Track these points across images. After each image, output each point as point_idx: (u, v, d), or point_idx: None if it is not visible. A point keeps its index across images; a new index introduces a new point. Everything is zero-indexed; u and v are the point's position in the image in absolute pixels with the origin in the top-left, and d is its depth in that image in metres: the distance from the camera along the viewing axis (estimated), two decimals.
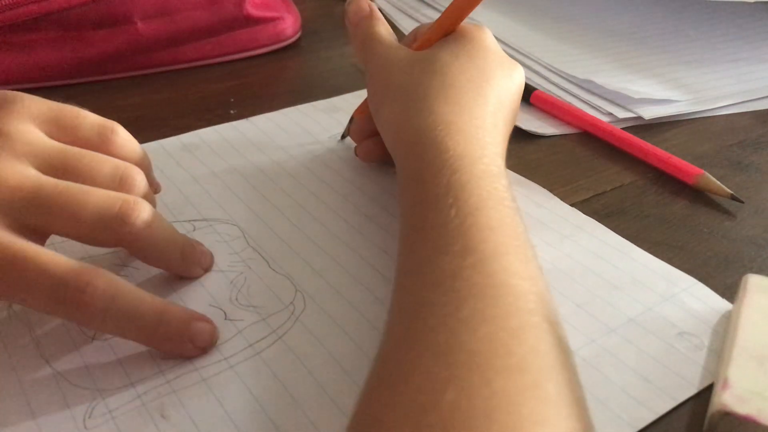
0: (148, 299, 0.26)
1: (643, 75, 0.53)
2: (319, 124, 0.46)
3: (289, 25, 0.58)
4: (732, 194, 0.38)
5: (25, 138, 0.28)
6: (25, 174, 0.26)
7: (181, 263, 0.31)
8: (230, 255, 0.33)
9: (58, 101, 0.49)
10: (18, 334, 0.28)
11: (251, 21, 0.55)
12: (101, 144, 0.30)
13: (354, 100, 0.49)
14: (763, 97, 0.51)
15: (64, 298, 0.24)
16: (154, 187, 0.33)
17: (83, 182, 0.28)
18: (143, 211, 0.28)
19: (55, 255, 0.25)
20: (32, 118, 0.29)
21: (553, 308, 0.23)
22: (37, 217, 0.26)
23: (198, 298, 0.31)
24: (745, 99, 0.50)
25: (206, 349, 0.28)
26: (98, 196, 0.27)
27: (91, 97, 0.49)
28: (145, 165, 0.33)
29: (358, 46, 0.38)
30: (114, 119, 0.32)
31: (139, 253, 0.29)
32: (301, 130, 0.45)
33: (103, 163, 0.29)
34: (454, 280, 0.22)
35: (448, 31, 0.36)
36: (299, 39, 0.60)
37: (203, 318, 0.28)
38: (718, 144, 0.45)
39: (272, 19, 0.57)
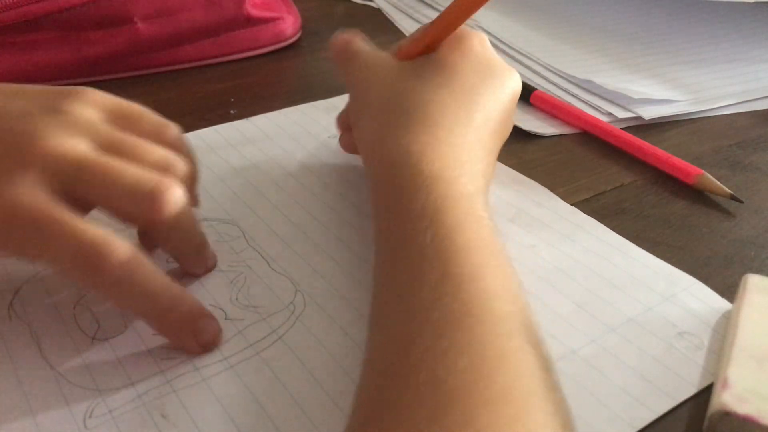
0: (166, 282, 0.27)
1: (643, 75, 0.53)
2: (319, 124, 0.46)
3: (289, 25, 0.58)
4: (732, 194, 0.38)
5: (84, 118, 0.28)
6: (77, 146, 0.27)
7: (194, 256, 0.31)
8: (230, 255, 0.33)
9: None
10: (18, 334, 0.28)
11: (251, 21, 0.55)
12: (157, 140, 0.31)
13: None
14: (763, 97, 0.51)
15: (87, 261, 0.25)
16: (193, 199, 0.33)
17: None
18: (175, 194, 0.28)
19: (88, 223, 0.26)
20: (97, 105, 0.30)
21: (534, 326, 0.23)
22: (78, 185, 0.26)
23: (198, 298, 0.30)
24: (745, 99, 0.50)
25: (208, 347, 0.28)
26: (136, 171, 0.27)
27: None
28: (193, 171, 0.32)
29: (340, 64, 0.37)
30: None
31: (162, 234, 0.29)
32: (301, 130, 0.45)
33: (154, 150, 0.29)
34: (432, 310, 0.22)
35: (432, 45, 0.34)
36: (299, 39, 0.60)
37: (212, 316, 0.28)
38: (718, 144, 0.45)
39: (272, 20, 0.57)
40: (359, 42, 0.37)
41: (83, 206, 0.27)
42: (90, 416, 0.25)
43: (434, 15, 0.65)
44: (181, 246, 0.30)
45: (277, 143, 0.43)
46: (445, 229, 0.25)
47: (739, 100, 0.50)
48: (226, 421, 0.25)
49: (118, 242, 0.25)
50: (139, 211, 0.27)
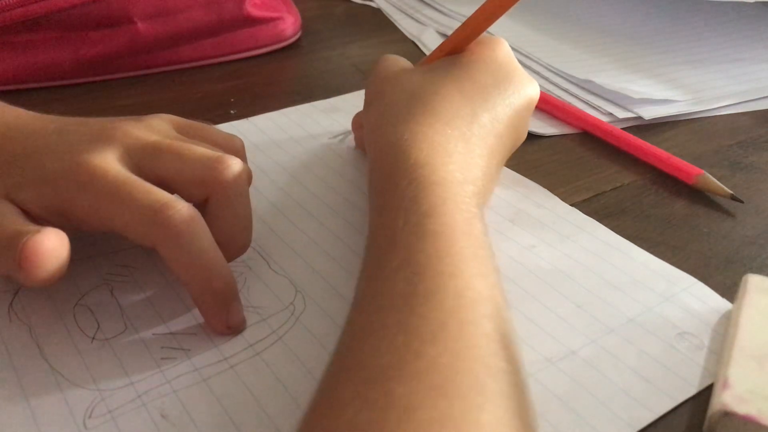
0: (217, 248, 0.28)
1: (643, 75, 0.53)
2: (319, 124, 0.46)
3: (289, 25, 0.58)
4: (732, 194, 0.38)
5: (158, 125, 0.31)
6: (152, 135, 0.30)
7: (239, 236, 0.31)
8: None
9: (58, 101, 0.50)
10: (18, 334, 0.28)
11: (251, 21, 0.55)
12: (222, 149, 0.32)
13: (354, 100, 0.49)
14: (763, 97, 0.51)
15: (154, 216, 0.26)
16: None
17: None
18: (238, 162, 0.30)
19: (155, 187, 0.28)
20: (170, 121, 0.32)
21: (497, 302, 0.23)
22: (152, 161, 0.29)
23: None
24: (745, 99, 0.50)
25: (233, 329, 0.28)
26: (204, 149, 0.30)
27: (91, 97, 0.49)
28: (249, 173, 0.33)
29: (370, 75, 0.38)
30: None
31: (219, 206, 0.29)
32: (301, 130, 0.45)
33: (216, 148, 0.31)
34: (387, 296, 0.23)
35: (455, 50, 0.36)
36: (299, 39, 0.60)
37: (241, 303, 0.29)
38: (718, 144, 0.45)
39: (272, 19, 0.57)
40: (392, 55, 0.38)
41: (152, 177, 0.29)
42: (90, 416, 0.25)
43: (434, 15, 0.66)
44: (231, 223, 0.30)
45: (277, 143, 0.43)
46: (417, 215, 0.25)
47: (739, 100, 0.50)
48: (226, 421, 0.25)
49: (183, 202, 0.27)
50: (204, 174, 0.29)
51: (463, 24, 0.35)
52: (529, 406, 0.21)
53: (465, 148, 0.30)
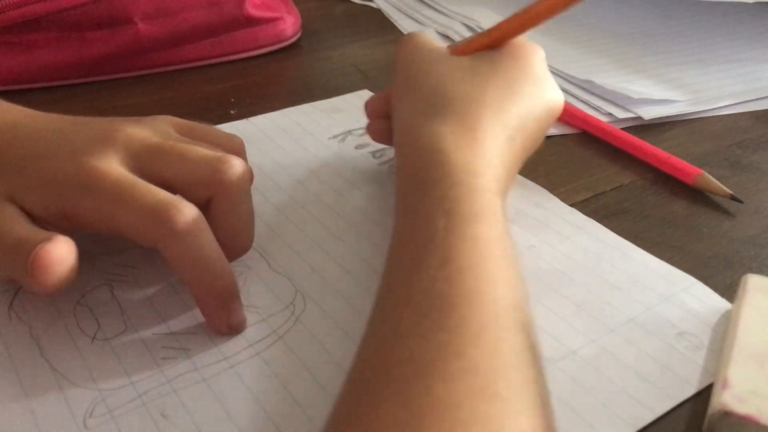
0: (219, 249, 0.28)
1: (642, 75, 0.53)
2: (319, 124, 0.46)
3: (289, 25, 0.58)
4: (732, 194, 0.38)
5: (159, 126, 0.32)
6: (154, 137, 0.30)
7: (242, 237, 0.31)
8: None
9: (58, 101, 0.50)
10: (18, 334, 0.28)
11: (251, 21, 0.55)
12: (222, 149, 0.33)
13: (354, 100, 0.49)
14: (763, 97, 0.51)
15: (158, 215, 0.26)
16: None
17: None
18: (240, 162, 0.30)
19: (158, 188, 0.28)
20: (171, 123, 0.33)
21: (527, 314, 0.23)
22: (154, 162, 0.29)
23: None
24: (745, 99, 0.50)
25: (234, 329, 0.29)
26: (206, 150, 0.30)
27: (91, 97, 0.49)
28: (250, 172, 0.34)
29: (397, 49, 0.37)
30: None
31: (221, 206, 0.29)
32: (301, 130, 0.45)
33: (217, 149, 0.32)
34: (424, 295, 0.23)
35: (493, 45, 0.35)
36: (299, 39, 0.60)
37: (242, 303, 0.29)
38: (718, 144, 0.45)
39: (272, 20, 0.57)
40: (420, 32, 0.38)
41: (156, 179, 0.29)
42: (90, 416, 0.25)
43: (434, 15, 0.66)
44: (233, 223, 0.30)
45: (277, 143, 0.43)
46: (458, 218, 0.26)
47: (739, 100, 0.50)
48: (226, 421, 0.25)
49: (185, 202, 0.27)
50: (207, 175, 0.29)
51: (508, 20, 0.34)
52: (555, 421, 0.21)
53: (499, 160, 0.30)
